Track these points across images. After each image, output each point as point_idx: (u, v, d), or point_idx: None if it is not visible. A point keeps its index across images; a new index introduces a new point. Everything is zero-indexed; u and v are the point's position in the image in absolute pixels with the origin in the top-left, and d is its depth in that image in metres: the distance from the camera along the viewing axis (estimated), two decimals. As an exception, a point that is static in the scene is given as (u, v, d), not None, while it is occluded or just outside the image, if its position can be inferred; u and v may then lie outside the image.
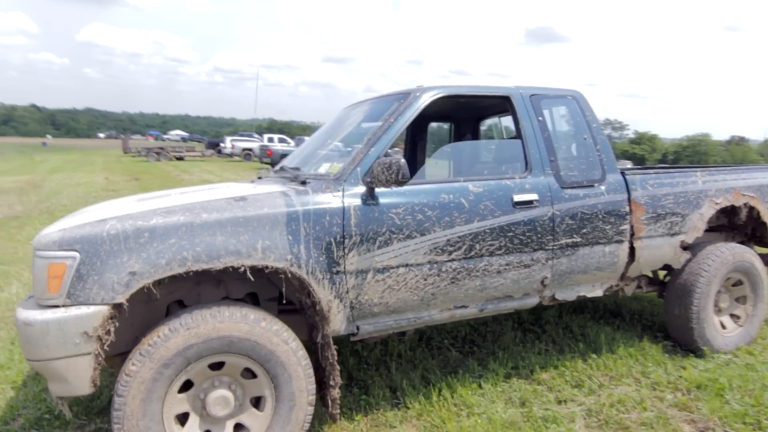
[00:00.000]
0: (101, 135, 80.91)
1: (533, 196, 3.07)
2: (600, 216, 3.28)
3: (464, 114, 4.36)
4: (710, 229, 4.14)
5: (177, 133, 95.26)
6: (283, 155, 27.73)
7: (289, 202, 2.52)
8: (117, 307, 2.17)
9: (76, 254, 2.16)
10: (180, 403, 2.33)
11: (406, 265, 2.74)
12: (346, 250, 2.58)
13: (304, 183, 2.76)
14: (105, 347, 2.17)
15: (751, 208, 3.94)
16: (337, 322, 2.62)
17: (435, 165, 3.67)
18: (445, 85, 3.15)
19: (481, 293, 3.00)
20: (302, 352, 2.48)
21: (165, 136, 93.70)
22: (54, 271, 2.14)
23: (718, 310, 3.91)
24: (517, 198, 3.02)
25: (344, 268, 2.58)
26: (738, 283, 3.97)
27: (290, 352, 2.43)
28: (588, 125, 3.42)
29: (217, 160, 35.58)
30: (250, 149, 34.06)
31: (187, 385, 2.35)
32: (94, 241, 2.19)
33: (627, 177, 3.45)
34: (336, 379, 2.60)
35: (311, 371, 2.51)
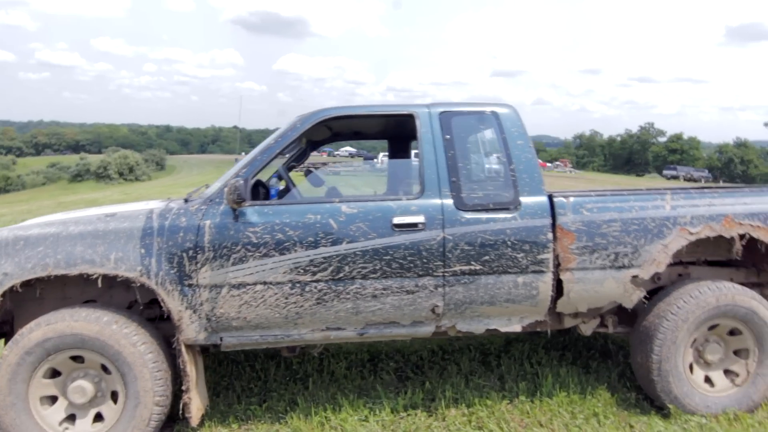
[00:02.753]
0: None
1: (419, 219, 2.92)
2: (508, 243, 2.96)
3: (391, 133, 4.22)
4: (717, 264, 3.42)
5: (347, 149, 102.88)
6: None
7: (148, 219, 2.81)
8: (-5, 299, 2.67)
9: (-31, 256, 2.72)
10: (47, 387, 2.75)
11: (264, 282, 2.82)
12: (199, 265, 2.77)
13: (186, 201, 3.02)
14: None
15: (755, 240, 3.16)
16: (191, 332, 2.81)
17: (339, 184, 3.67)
18: (339, 106, 3.17)
19: (356, 317, 2.94)
20: (151, 356, 2.74)
21: (336, 153, 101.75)
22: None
23: (705, 363, 3.20)
24: (397, 220, 2.90)
25: (197, 281, 2.78)
26: (735, 333, 3.20)
27: (137, 354, 2.71)
28: (505, 144, 3.11)
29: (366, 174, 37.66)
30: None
31: (56, 373, 2.77)
32: (-17, 245, 2.73)
33: (555, 200, 3.05)
34: (187, 385, 2.80)
35: (160, 374, 2.75)
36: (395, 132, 4.05)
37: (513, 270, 2.98)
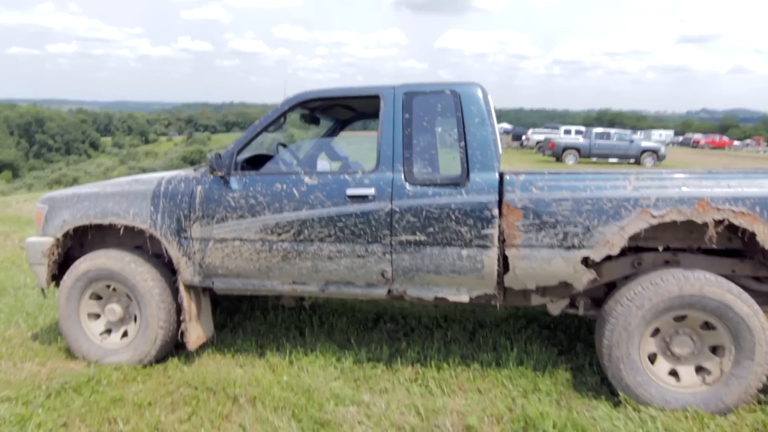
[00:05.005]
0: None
1: (369, 191, 3.21)
2: (452, 217, 3.10)
3: (366, 113, 4.39)
4: (710, 252, 3.14)
5: (502, 126, 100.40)
6: (566, 148, 26.97)
7: (158, 184, 3.52)
8: (57, 240, 3.63)
9: (45, 206, 3.72)
10: (92, 306, 3.65)
11: (240, 239, 3.39)
12: (192, 222, 3.43)
13: (195, 170, 3.69)
14: (52, 264, 3.66)
15: (735, 228, 2.84)
16: (188, 275, 3.49)
17: (309, 155, 4.00)
18: (315, 90, 3.54)
19: (317, 274, 3.35)
20: (157, 290, 3.49)
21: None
22: (38, 215, 3.75)
23: (673, 356, 3.00)
24: (350, 192, 3.23)
25: (190, 235, 3.44)
26: (711, 327, 2.93)
27: (147, 287, 3.48)
28: (460, 122, 3.20)
29: (511, 152, 36.60)
30: (540, 141, 33.87)
31: (99, 297, 3.67)
32: (54, 200, 3.71)
33: (506, 177, 3.09)
34: (185, 316, 3.51)
35: (164, 305, 3.49)
36: (373, 111, 4.30)
37: (457, 243, 3.13)
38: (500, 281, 3.18)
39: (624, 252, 3.25)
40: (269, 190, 3.33)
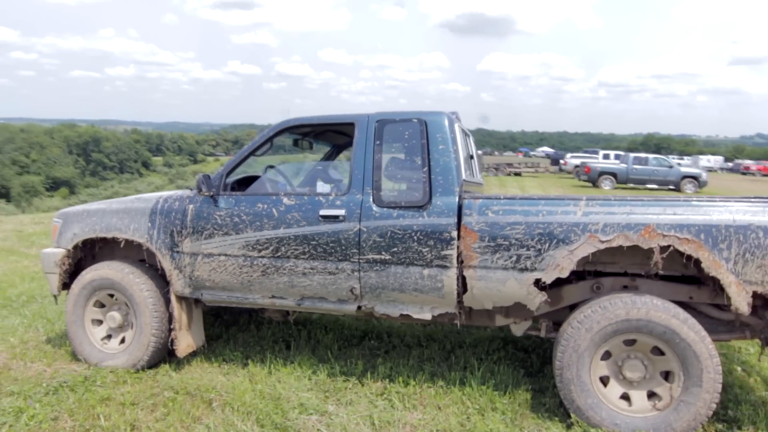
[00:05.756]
0: (479, 152, 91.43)
1: (340, 212, 3.45)
2: (414, 237, 3.30)
3: (344, 138, 4.61)
4: (669, 278, 3.21)
5: (543, 149, 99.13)
6: (602, 173, 26.50)
7: (156, 202, 3.87)
8: (68, 251, 4.03)
9: (60, 220, 4.14)
10: (95, 313, 3.99)
11: (225, 254, 3.68)
12: (183, 238, 3.75)
13: (190, 189, 4.03)
14: (63, 273, 4.05)
15: (677, 255, 2.92)
16: (179, 286, 3.80)
17: (291, 177, 4.27)
18: (299, 117, 3.84)
19: (292, 289, 3.60)
20: (151, 300, 3.81)
21: (532, 153, 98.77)
22: (54, 229, 4.17)
23: (625, 380, 3.07)
24: (323, 212, 3.48)
25: (182, 249, 3.76)
26: (660, 352, 2.99)
27: (142, 297, 3.80)
28: (425, 149, 3.41)
29: (548, 176, 36.21)
30: (578, 166, 33.38)
31: (102, 304, 4.02)
32: (67, 215, 4.12)
33: (465, 201, 3.28)
34: (175, 324, 3.81)
35: (157, 314, 3.80)
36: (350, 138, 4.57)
37: (419, 263, 3.31)
38: (460, 301, 3.33)
39: (584, 276, 3.38)
40: (252, 210, 3.62)
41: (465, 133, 4.25)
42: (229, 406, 3.25)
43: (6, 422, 3.02)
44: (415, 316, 3.44)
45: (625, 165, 26.05)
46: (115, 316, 3.96)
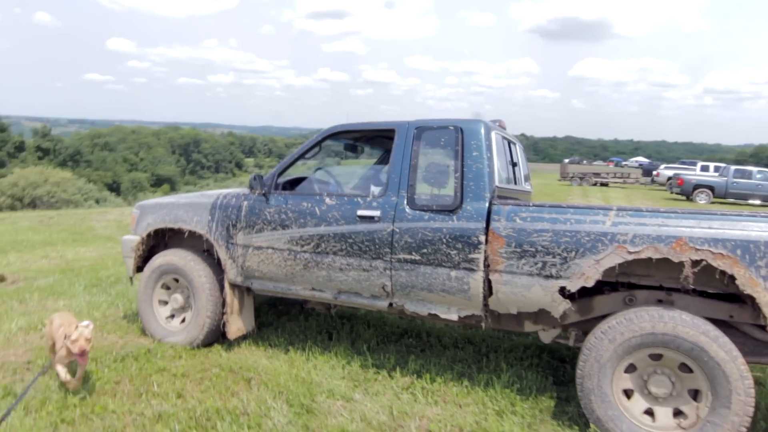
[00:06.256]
0: (566, 160, 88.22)
1: (376, 213, 3.64)
2: (444, 240, 3.41)
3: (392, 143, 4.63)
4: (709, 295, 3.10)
5: (637, 159, 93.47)
6: (698, 186, 24.65)
7: (216, 198, 4.27)
8: (142, 238, 4.54)
9: (138, 211, 4.67)
10: (162, 294, 4.48)
11: (272, 248, 3.99)
12: (237, 231, 4.12)
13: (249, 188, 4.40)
14: (138, 258, 4.57)
15: (715, 271, 2.80)
16: (232, 275, 4.17)
17: (338, 178, 4.46)
18: (345, 123, 4.07)
19: (330, 283, 3.84)
20: (208, 285, 4.21)
21: (624, 163, 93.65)
22: (132, 218, 4.72)
23: (650, 395, 2.99)
24: (360, 212, 3.69)
25: (236, 241, 4.13)
26: (686, 370, 2.89)
27: (200, 282, 4.21)
28: (459, 155, 3.51)
29: (638, 187, 34.25)
30: (671, 177, 31.23)
31: (168, 287, 4.50)
32: (144, 207, 4.64)
33: (493, 207, 3.34)
34: (227, 309, 4.18)
35: (212, 298, 4.19)
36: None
37: (447, 264, 3.43)
38: (486, 304, 3.40)
39: (617, 288, 3.32)
40: (297, 208, 3.91)
41: (509, 142, 4.29)
42: (264, 385, 3.54)
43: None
44: (443, 316, 3.55)
45: (724, 178, 24.09)
46: (178, 298, 4.41)
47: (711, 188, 23.79)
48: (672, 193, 26.30)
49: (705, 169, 31.08)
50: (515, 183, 4.35)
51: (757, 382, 3.88)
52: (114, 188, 55.00)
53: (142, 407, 3.18)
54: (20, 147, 60.13)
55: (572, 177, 38.91)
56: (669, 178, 31.45)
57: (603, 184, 36.19)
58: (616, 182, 36.78)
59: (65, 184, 33.44)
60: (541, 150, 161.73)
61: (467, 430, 3.03)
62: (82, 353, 3.23)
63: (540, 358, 4.10)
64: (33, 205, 29.32)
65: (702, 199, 23.59)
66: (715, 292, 3.04)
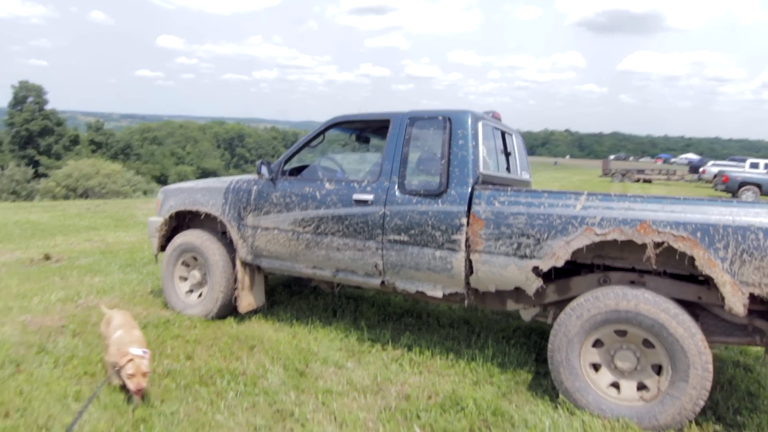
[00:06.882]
0: (611, 156, 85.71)
1: (369, 197, 3.92)
2: (429, 222, 3.66)
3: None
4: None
5: (687, 156, 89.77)
6: (743, 183, 23.72)
7: (230, 183, 4.64)
8: (165, 220, 4.97)
9: (162, 195, 5.11)
10: (182, 270, 4.91)
11: (278, 229, 4.33)
12: (247, 213, 4.48)
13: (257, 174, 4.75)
14: (161, 237, 5.01)
15: (671, 252, 2.94)
16: (243, 253, 4.54)
17: (338, 165, 4.73)
18: (345, 114, 4.36)
19: (329, 262, 4.14)
20: (222, 262, 4.59)
21: (673, 159, 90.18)
22: (157, 202, 5.16)
23: (616, 369, 3.17)
24: (356, 197, 3.98)
25: (246, 222, 4.49)
26: (649, 345, 3.05)
27: (214, 259, 4.60)
28: (446, 143, 3.73)
29: (682, 185, 33.13)
30: (717, 174, 30.07)
31: (187, 264, 4.92)
32: (167, 191, 5.07)
33: (475, 191, 3.56)
34: (238, 285, 4.56)
35: (225, 274, 4.58)
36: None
37: (432, 245, 3.67)
38: (468, 282, 3.63)
39: (592, 269, 3.50)
40: (300, 192, 4.23)
41: (503, 132, 4.48)
42: (265, 352, 3.89)
43: (99, 344, 3.94)
44: (429, 293, 3.80)
45: (773, 175, 23.13)
46: (196, 275, 4.82)
47: (758, 185, 22.90)
48: (717, 190, 25.40)
49: (755, 166, 29.84)
50: (508, 172, 4.54)
51: (744, 366, 3.97)
52: (161, 181, 57.28)
53: (154, 365, 3.57)
54: (75, 140, 63.38)
55: (614, 173, 38.01)
56: (715, 176, 30.31)
57: (646, 181, 35.20)
58: (660, 179, 35.68)
59: (115, 176, 35.21)
60: (586, 146, 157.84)
61: (442, 395, 3.28)
62: (139, 391, 2.96)
63: (528, 338, 4.29)
64: (85, 195, 31.04)
65: (748, 196, 22.71)
66: (686, 274, 3.18)
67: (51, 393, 3.12)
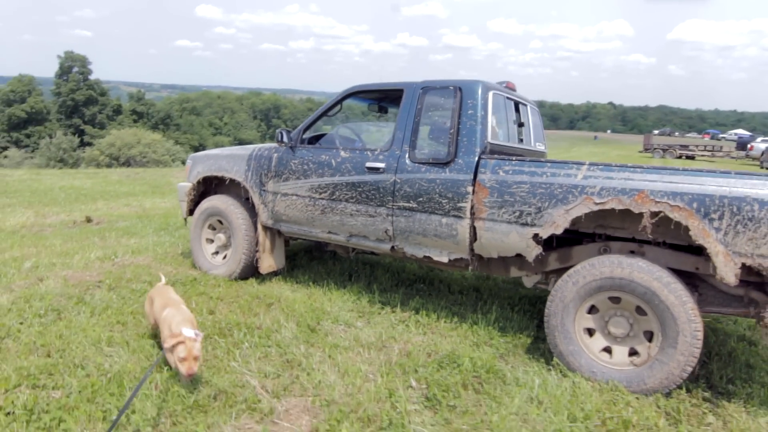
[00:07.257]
0: (655, 131, 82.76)
1: (381, 165, 4.08)
2: (437, 190, 3.80)
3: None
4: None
5: (737, 132, 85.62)
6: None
7: (252, 150, 4.87)
8: (193, 185, 5.26)
9: (191, 161, 5.39)
10: (208, 233, 5.23)
11: (296, 195, 4.55)
12: (268, 179, 4.71)
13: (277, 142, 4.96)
14: (190, 202, 5.31)
15: (670, 222, 3.01)
16: (264, 218, 4.79)
17: (352, 134, 4.86)
18: (362, 84, 4.49)
19: (343, 227, 4.35)
20: (245, 225, 4.87)
21: (722, 135, 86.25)
22: (186, 168, 5.45)
23: (610, 335, 3.29)
24: (368, 164, 4.15)
25: (267, 188, 4.73)
26: (642, 313, 3.15)
27: (238, 222, 4.88)
28: (455, 113, 3.83)
29: (727, 161, 31.90)
30: (765, 151, 28.78)
31: (213, 228, 5.22)
32: (195, 158, 5.35)
33: (482, 160, 3.67)
34: (259, 248, 4.83)
35: (248, 237, 4.85)
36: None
37: (439, 212, 3.82)
38: (472, 248, 3.78)
39: (594, 239, 3.59)
40: (317, 159, 4.43)
41: (516, 102, 4.53)
42: (281, 309, 4.16)
43: (131, 298, 4.29)
44: (435, 258, 3.97)
45: (824, 152, 22.03)
46: (221, 237, 5.12)
47: (808, 163, 21.88)
48: (763, 167, 24.43)
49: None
50: (521, 142, 4.60)
51: (748, 340, 4.01)
52: (199, 150, 58.79)
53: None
54: (117, 110, 65.34)
55: (655, 149, 36.84)
56: (763, 152, 29.04)
57: (689, 157, 34.04)
58: (704, 155, 34.44)
59: (155, 145, 36.35)
60: (629, 120, 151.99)
61: (441, 354, 3.48)
62: (190, 375, 2.73)
63: (533, 306, 4.43)
64: (127, 164, 32.25)
65: (796, 174, 21.75)
66: (686, 245, 3.24)
67: (87, 338, 3.46)
